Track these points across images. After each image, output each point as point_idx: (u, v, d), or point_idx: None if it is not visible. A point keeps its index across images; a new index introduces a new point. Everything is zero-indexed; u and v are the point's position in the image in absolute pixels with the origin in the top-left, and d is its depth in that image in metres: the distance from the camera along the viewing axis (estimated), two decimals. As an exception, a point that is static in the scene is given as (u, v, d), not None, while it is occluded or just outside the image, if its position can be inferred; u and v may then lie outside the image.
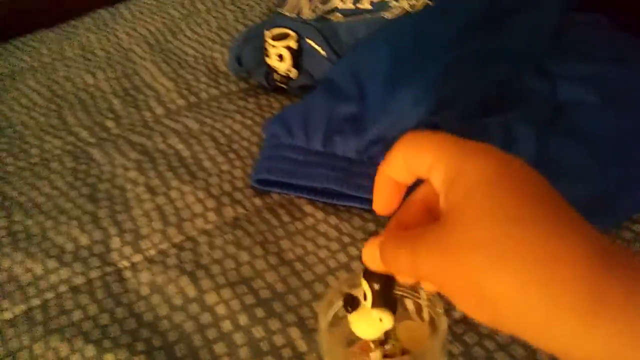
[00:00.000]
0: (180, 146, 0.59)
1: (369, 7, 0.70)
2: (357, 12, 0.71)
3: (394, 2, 0.69)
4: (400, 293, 0.32)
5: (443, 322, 0.31)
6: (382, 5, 0.69)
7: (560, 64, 0.59)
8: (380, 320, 0.28)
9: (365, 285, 0.28)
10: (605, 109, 0.54)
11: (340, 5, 0.72)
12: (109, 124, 0.63)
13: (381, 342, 0.30)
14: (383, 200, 0.26)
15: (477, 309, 0.20)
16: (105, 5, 0.85)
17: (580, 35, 0.64)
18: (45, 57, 0.74)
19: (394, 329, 0.29)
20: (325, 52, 0.64)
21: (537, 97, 0.57)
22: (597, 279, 0.18)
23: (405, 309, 0.33)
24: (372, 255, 0.26)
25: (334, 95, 0.57)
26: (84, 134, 0.62)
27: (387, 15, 0.67)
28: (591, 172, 0.49)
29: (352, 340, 0.32)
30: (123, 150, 0.59)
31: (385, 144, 0.53)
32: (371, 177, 0.44)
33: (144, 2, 0.85)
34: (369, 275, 0.27)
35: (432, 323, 0.32)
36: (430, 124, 0.51)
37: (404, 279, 0.26)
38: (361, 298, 0.29)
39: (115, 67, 0.72)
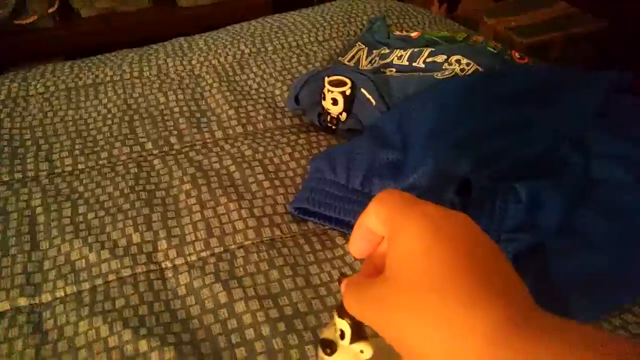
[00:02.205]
0: (232, 168, 0.65)
1: (423, 66, 0.75)
2: (411, 69, 0.76)
3: (447, 65, 0.74)
4: None
5: None
6: (435, 66, 0.74)
7: (599, 141, 0.62)
8: (361, 351, 0.30)
9: (340, 322, 0.30)
10: (638, 189, 0.56)
11: (396, 62, 0.78)
12: (173, 140, 0.70)
13: None
14: (357, 245, 0.28)
15: (407, 358, 0.23)
16: (184, 35, 0.95)
17: (621, 115, 0.66)
18: (125, 74, 0.83)
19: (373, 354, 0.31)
20: (376, 101, 0.69)
21: (571, 170, 0.59)
22: (494, 348, 0.20)
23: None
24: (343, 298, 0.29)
25: (379, 142, 0.61)
26: (150, 145, 0.69)
27: (439, 75, 0.72)
28: (612, 249, 0.50)
29: None
30: (182, 164, 0.66)
31: (419, 193, 0.57)
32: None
33: (219, 36, 0.94)
34: (344, 312, 0.29)
35: None
36: (463, 179, 0.54)
37: None
38: (337, 338, 0.30)
39: (186, 90, 0.79)
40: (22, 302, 0.50)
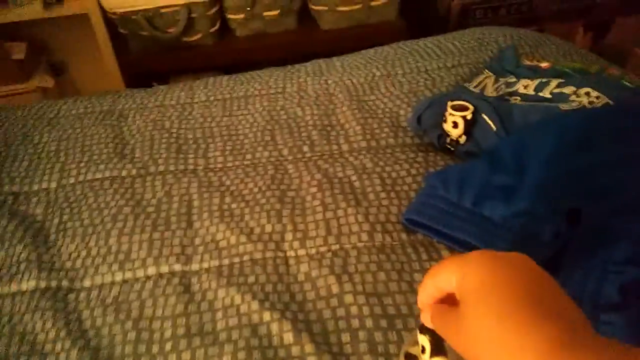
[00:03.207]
0: (354, 177, 0.72)
1: (549, 96, 0.76)
2: (536, 99, 0.77)
3: (574, 97, 0.74)
4: None
5: None
6: (562, 97, 0.75)
7: None
8: None
9: (422, 338, 0.35)
10: None
11: (522, 90, 0.80)
12: (305, 148, 0.80)
13: None
14: (424, 300, 0.34)
15: None
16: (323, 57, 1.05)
17: None
18: (271, 89, 0.95)
19: None
20: (496, 127, 0.72)
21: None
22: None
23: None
24: (425, 317, 0.34)
25: (494, 165, 0.64)
26: (286, 152, 0.80)
27: (564, 107, 0.73)
28: None
29: None
30: (311, 170, 0.75)
31: (529, 218, 0.59)
32: (507, 241, 0.52)
33: (354, 59, 1.03)
34: (425, 329, 0.35)
35: None
36: (575, 209, 0.56)
37: None
38: (418, 352, 0.36)
39: (320, 106, 0.89)
40: (177, 267, 0.62)
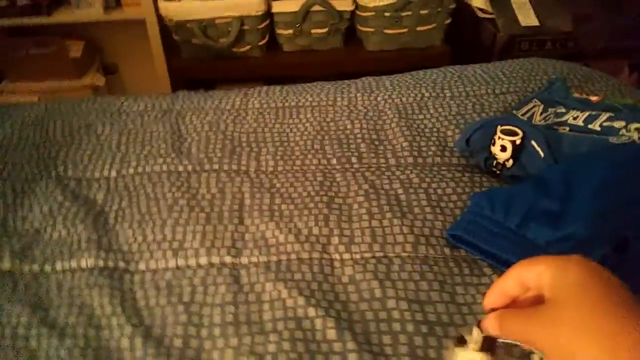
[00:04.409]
0: (400, 191, 0.75)
1: (598, 129, 0.77)
2: (585, 130, 0.78)
3: (624, 131, 0.75)
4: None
5: None
6: (612, 131, 0.76)
7: None
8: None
9: (478, 333, 0.37)
10: None
11: (571, 121, 0.81)
12: (353, 159, 0.83)
13: None
14: (492, 298, 0.37)
15: None
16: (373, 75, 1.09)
17: None
18: (322, 101, 0.99)
19: None
20: (544, 154, 0.73)
21: None
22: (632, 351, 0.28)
23: (511, 355, 0.41)
24: (492, 324, 0.36)
25: (541, 189, 0.66)
26: (334, 161, 0.83)
27: (614, 140, 0.74)
28: None
29: None
30: (358, 180, 0.77)
31: (574, 243, 0.61)
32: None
33: (403, 79, 1.06)
34: (483, 328, 0.37)
35: None
36: (622, 237, 0.57)
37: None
38: (469, 340, 0.38)
39: (369, 121, 0.92)
40: (228, 260, 0.65)
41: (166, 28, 1.62)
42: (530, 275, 0.34)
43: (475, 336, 0.37)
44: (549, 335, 0.31)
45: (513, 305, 0.37)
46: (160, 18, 1.62)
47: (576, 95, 0.90)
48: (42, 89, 1.79)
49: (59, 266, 0.65)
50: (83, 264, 0.65)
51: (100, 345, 0.56)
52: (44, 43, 1.76)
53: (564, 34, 1.60)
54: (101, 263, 0.65)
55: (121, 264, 0.65)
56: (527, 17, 1.63)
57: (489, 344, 0.37)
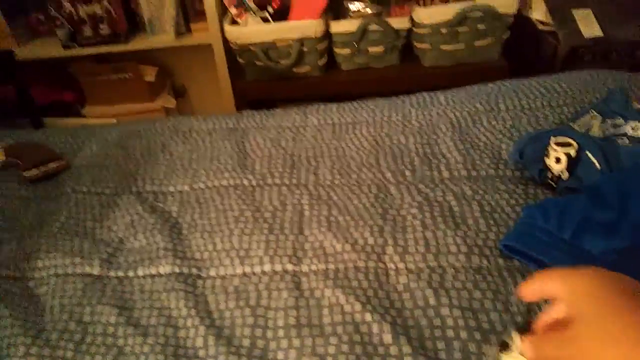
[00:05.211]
0: (453, 203, 0.77)
1: (659, 139, 0.76)
2: (645, 141, 0.77)
3: (687, 141, 0.74)
4: None
5: None
6: (673, 141, 0.75)
7: None
8: None
9: (518, 338, 0.39)
10: None
11: (630, 132, 0.80)
12: (407, 173, 0.86)
13: None
14: (530, 290, 0.39)
15: None
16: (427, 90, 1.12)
17: None
18: (377, 117, 1.03)
19: None
20: (601, 166, 0.73)
21: None
22: None
23: None
24: (528, 350, 0.38)
25: (596, 201, 0.66)
26: (389, 174, 0.86)
27: (675, 150, 0.73)
28: None
29: None
30: (412, 193, 0.80)
31: (629, 254, 0.61)
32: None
33: (457, 94, 1.08)
34: (522, 330, 0.39)
35: None
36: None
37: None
38: (513, 346, 0.40)
39: (423, 135, 0.95)
40: (289, 267, 0.70)
41: (231, 51, 1.73)
42: (549, 287, 0.37)
43: (517, 341, 0.40)
44: (578, 349, 0.33)
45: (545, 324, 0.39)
46: (225, 42, 1.73)
47: (637, 106, 0.88)
48: (119, 112, 1.95)
49: (140, 272, 0.73)
50: (161, 270, 0.73)
51: (178, 343, 0.62)
52: (122, 69, 1.92)
53: (630, 44, 1.55)
54: (177, 269, 0.72)
55: (194, 271, 0.72)
56: (590, 28, 1.59)
57: None
